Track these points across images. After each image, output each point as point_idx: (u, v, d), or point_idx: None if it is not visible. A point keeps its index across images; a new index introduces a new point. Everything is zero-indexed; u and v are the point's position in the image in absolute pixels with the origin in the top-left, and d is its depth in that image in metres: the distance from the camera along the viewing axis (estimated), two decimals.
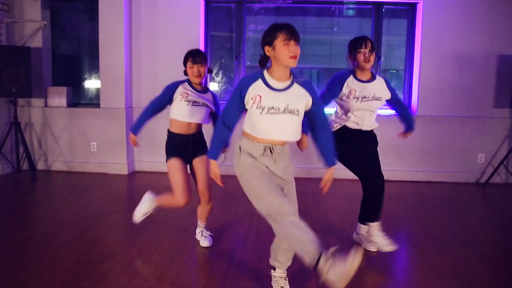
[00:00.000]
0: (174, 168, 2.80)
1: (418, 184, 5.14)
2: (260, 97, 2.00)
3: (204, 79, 2.91)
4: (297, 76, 2.10)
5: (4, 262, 2.62)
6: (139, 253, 2.83)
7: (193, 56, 2.81)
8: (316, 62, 5.96)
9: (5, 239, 3.01)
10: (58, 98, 5.35)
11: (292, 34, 1.97)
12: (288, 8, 5.69)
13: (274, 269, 2.27)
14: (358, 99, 2.84)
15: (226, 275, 2.52)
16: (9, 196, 4.35)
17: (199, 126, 2.91)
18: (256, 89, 2.02)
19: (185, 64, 2.87)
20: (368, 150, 2.95)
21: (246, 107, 2.05)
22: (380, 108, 2.99)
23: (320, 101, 2.14)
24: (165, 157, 2.87)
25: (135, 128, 2.94)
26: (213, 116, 2.98)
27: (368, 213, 2.89)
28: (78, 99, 5.78)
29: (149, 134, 5.37)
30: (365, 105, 2.85)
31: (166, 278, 2.44)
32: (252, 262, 2.70)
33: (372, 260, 2.79)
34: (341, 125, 2.91)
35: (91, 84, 5.83)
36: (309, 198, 4.25)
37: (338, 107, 2.97)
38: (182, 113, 2.81)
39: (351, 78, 2.89)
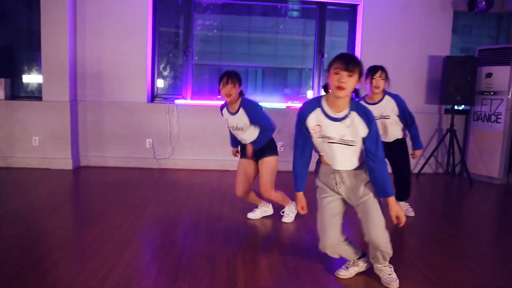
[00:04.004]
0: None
1: None
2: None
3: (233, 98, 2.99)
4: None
5: None
6: (92, 241, 2.82)
7: (227, 75, 2.94)
8: (262, 61, 6.13)
9: None
10: None
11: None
12: (234, 6, 5.81)
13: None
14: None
15: (180, 259, 2.58)
16: None
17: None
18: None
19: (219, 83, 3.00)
20: None
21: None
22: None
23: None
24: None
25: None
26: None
27: None
28: (18, 91, 5.53)
29: (95, 128, 5.27)
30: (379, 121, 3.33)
31: (120, 264, 2.46)
32: (204, 247, 2.78)
33: None
34: None
35: (31, 77, 5.60)
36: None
37: None
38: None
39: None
